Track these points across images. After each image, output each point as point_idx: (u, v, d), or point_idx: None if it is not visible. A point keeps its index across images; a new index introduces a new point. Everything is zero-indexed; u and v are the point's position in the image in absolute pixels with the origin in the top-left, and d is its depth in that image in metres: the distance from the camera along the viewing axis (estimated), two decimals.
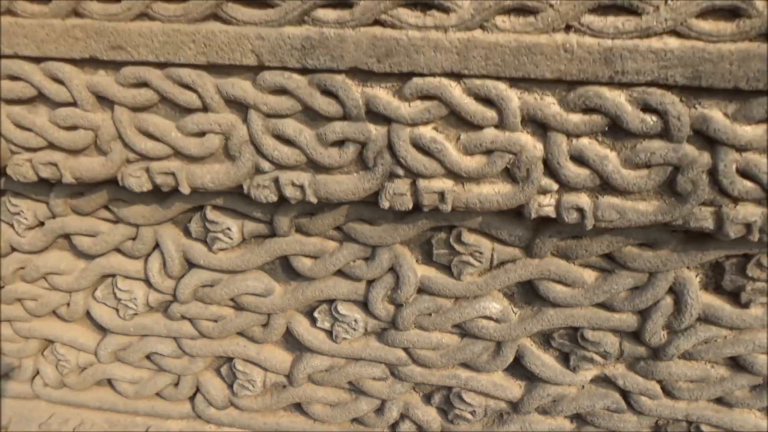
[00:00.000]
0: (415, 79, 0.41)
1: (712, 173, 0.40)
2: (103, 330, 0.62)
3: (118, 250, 0.57)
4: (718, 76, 0.37)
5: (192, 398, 0.64)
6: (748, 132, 0.39)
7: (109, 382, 0.65)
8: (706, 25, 0.37)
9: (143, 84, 0.45)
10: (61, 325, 0.63)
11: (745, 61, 0.37)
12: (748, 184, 0.40)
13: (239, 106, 0.45)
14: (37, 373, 0.66)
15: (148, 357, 0.62)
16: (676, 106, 0.39)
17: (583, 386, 0.55)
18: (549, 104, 0.40)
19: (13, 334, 0.64)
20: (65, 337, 0.63)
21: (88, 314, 0.62)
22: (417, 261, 0.52)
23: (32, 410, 0.67)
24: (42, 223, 0.57)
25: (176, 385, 0.64)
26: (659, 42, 0.37)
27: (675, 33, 0.37)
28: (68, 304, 0.61)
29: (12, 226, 0.58)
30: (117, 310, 0.60)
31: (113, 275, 0.59)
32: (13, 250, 0.59)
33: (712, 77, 0.37)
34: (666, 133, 0.40)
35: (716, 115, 0.39)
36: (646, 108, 0.39)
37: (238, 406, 0.63)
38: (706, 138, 0.40)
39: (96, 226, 0.56)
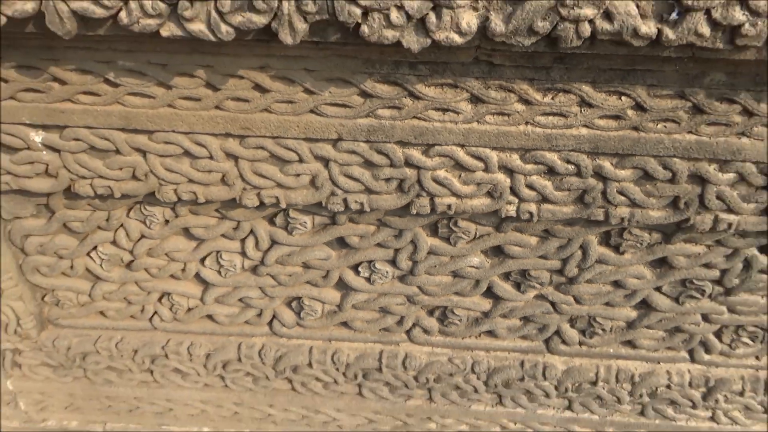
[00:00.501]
0: (436, 147, 0.68)
1: (603, 193, 0.71)
2: (207, 284, 0.90)
3: (223, 235, 0.84)
4: (607, 147, 0.67)
5: (270, 323, 0.95)
6: (623, 173, 0.69)
7: (209, 317, 0.95)
8: (602, 122, 0.65)
9: (260, 147, 0.70)
10: (175, 282, 0.91)
11: (621, 140, 0.66)
12: (622, 198, 0.71)
13: (324, 159, 0.71)
14: (155, 313, 0.95)
15: (240, 300, 0.92)
16: (585, 161, 0.68)
17: (527, 301, 0.89)
18: (514, 159, 0.69)
19: (138, 290, 0.91)
20: (179, 290, 0.91)
21: (196, 275, 0.89)
22: (427, 235, 0.82)
23: (153, 337, 0.97)
24: (167, 221, 0.83)
25: (259, 315, 0.94)
26: (576, 131, 0.66)
27: (585, 126, 0.66)
28: (183, 269, 0.88)
29: (144, 222, 0.83)
30: (219, 272, 0.88)
31: (218, 251, 0.86)
32: (143, 237, 0.85)
33: (604, 147, 0.67)
34: (578, 173, 0.70)
35: (606, 164, 0.69)
36: (568, 161, 0.69)
37: (302, 326, 0.94)
38: (600, 175, 0.70)
39: (208, 221, 0.83)
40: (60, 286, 0.91)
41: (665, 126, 0.65)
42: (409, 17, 0.52)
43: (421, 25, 0.53)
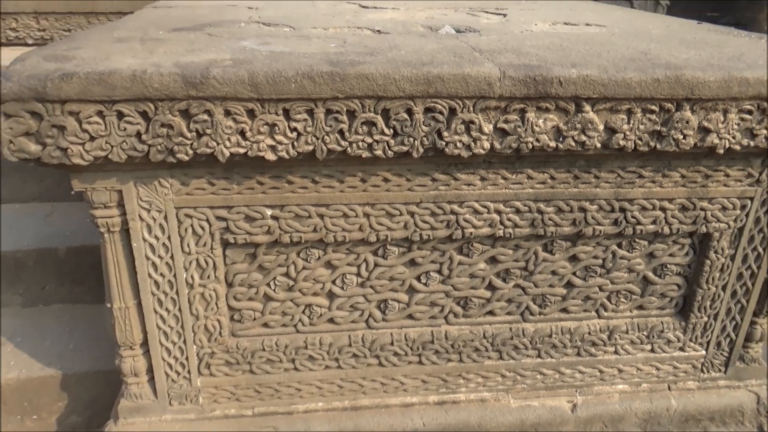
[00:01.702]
0: (465, 203, 1.46)
1: (542, 220, 1.51)
2: (333, 297, 1.57)
3: (347, 264, 1.54)
4: (541, 197, 1.47)
5: (366, 320, 1.62)
6: (549, 209, 1.49)
7: (331, 320, 1.60)
8: (538, 185, 1.46)
9: (382, 209, 1.44)
10: (314, 298, 1.57)
11: (546, 193, 1.47)
12: (550, 222, 1.51)
13: (411, 213, 1.46)
14: (299, 320, 1.59)
15: (350, 305, 1.59)
16: (532, 204, 1.48)
17: (509, 289, 1.63)
18: (500, 206, 1.47)
19: (293, 305, 1.56)
20: (316, 302, 1.57)
21: (328, 291, 1.56)
22: (456, 254, 1.56)
23: (297, 337, 1.60)
24: (318, 258, 1.52)
25: (360, 315, 1.61)
26: (527, 190, 1.46)
27: (531, 188, 1.46)
28: (322, 288, 1.55)
29: (306, 260, 1.51)
30: (342, 288, 1.56)
31: (344, 273, 1.55)
32: (303, 268, 1.52)
33: (540, 197, 1.47)
34: (529, 211, 1.49)
35: (541, 206, 1.49)
36: (525, 205, 1.48)
37: (386, 320, 1.62)
38: (539, 211, 1.50)
39: (341, 255, 1.52)
40: (246, 307, 1.54)
41: (562, 185, 1.47)
42: (466, 146, 1.31)
43: (466, 147, 1.32)
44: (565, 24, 1.97)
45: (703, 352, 1.73)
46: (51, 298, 2.06)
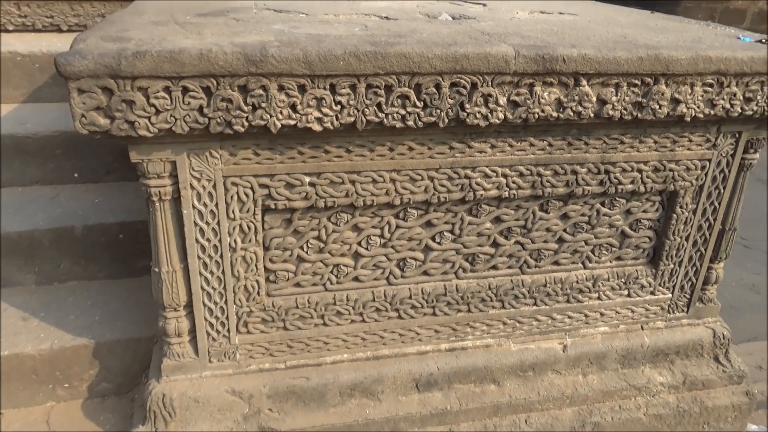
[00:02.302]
0: (477, 168, 1.67)
1: (540, 182, 1.74)
2: (359, 257, 1.75)
3: (372, 226, 1.72)
4: (540, 161, 1.70)
5: (387, 277, 1.81)
6: (547, 172, 1.73)
7: (356, 278, 1.78)
8: (539, 151, 1.69)
9: (406, 174, 1.63)
10: (342, 258, 1.74)
11: (545, 158, 1.70)
12: (548, 183, 1.74)
13: (431, 178, 1.65)
14: (328, 280, 1.76)
15: (373, 264, 1.77)
16: (533, 168, 1.70)
17: (510, 245, 1.86)
18: (506, 170, 1.69)
19: (323, 265, 1.73)
20: (344, 262, 1.74)
21: (355, 252, 1.74)
22: (466, 215, 1.77)
23: (326, 295, 1.76)
24: (347, 221, 1.69)
25: (382, 272, 1.79)
26: (529, 155, 1.68)
27: (533, 153, 1.69)
28: (349, 248, 1.73)
29: (335, 223, 1.68)
30: (367, 248, 1.74)
31: (369, 235, 1.73)
32: (333, 231, 1.69)
33: (540, 161, 1.70)
34: (530, 174, 1.71)
35: (540, 169, 1.72)
36: (528, 168, 1.70)
37: (404, 276, 1.81)
38: (538, 174, 1.73)
39: (367, 219, 1.70)
40: (280, 268, 1.70)
41: (558, 151, 1.70)
42: (484, 117, 1.51)
43: (484, 118, 1.52)
44: (542, 12, 2.20)
45: (670, 295, 2.02)
46: (66, 276, 2.13)
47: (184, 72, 1.29)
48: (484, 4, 2.40)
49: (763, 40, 1.76)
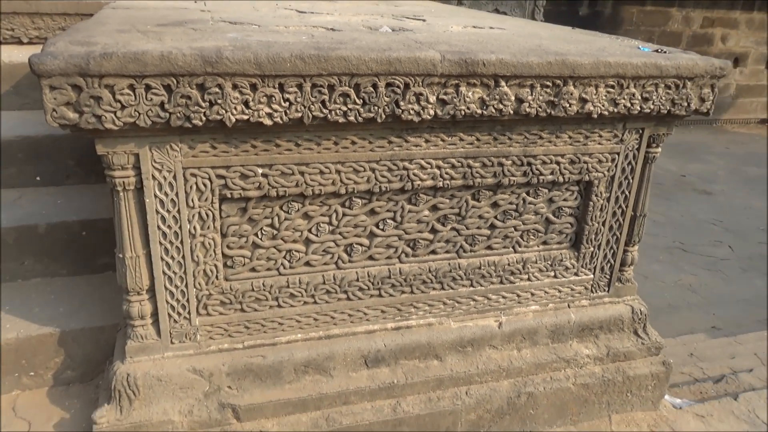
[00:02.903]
0: (414, 160, 1.87)
1: (471, 173, 1.95)
2: (310, 243, 1.93)
3: (321, 214, 1.90)
4: (469, 154, 1.92)
5: (335, 262, 1.98)
6: (476, 164, 1.95)
7: (307, 263, 1.95)
8: (468, 145, 1.91)
9: (350, 166, 1.82)
10: (294, 244, 1.91)
11: (473, 151, 1.92)
12: (478, 174, 1.96)
13: (372, 169, 1.84)
14: (281, 264, 1.92)
15: (323, 250, 1.95)
16: (463, 161, 1.92)
17: (447, 231, 2.06)
18: (440, 162, 1.91)
19: (276, 251, 1.89)
20: (296, 248, 1.91)
21: (306, 238, 1.91)
22: (406, 203, 1.97)
23: (279, 279, 1.93)
24: (298, 210, 1.86)
25: (331, 257, 1.97)
26: (459, 149, 1.90)
27: (462, 147, 1.90)
28: (300, 235, 1.90)
29: (287, 212, 1.85)
30: (317, 235, 1.92)
31: (318, 222, 1.91)
32: (285, 219, 1.86)
33: (469, 154, 1.92)
34: (461, 165, 1.93)
35: (470, 162, 1.94)
36: (459, 161, 1.92)
37: (351, 261, 1.99)
38: (469, 166, 1.94)
39: (316, 207, 1.88)
40: (237, 254, 1.86)
41: (485, 145, 1.92)
42: (417, 113, 1.72)
43: (417, 114, 1.73)
44: (474, 27, 2.45)
45: (592, 275, 2.26)
46: (29, 273, 2.22)
47: (147, 71, 1.46)
48: (424, 20, 2.64)
49: (659, 50, 2.03)
